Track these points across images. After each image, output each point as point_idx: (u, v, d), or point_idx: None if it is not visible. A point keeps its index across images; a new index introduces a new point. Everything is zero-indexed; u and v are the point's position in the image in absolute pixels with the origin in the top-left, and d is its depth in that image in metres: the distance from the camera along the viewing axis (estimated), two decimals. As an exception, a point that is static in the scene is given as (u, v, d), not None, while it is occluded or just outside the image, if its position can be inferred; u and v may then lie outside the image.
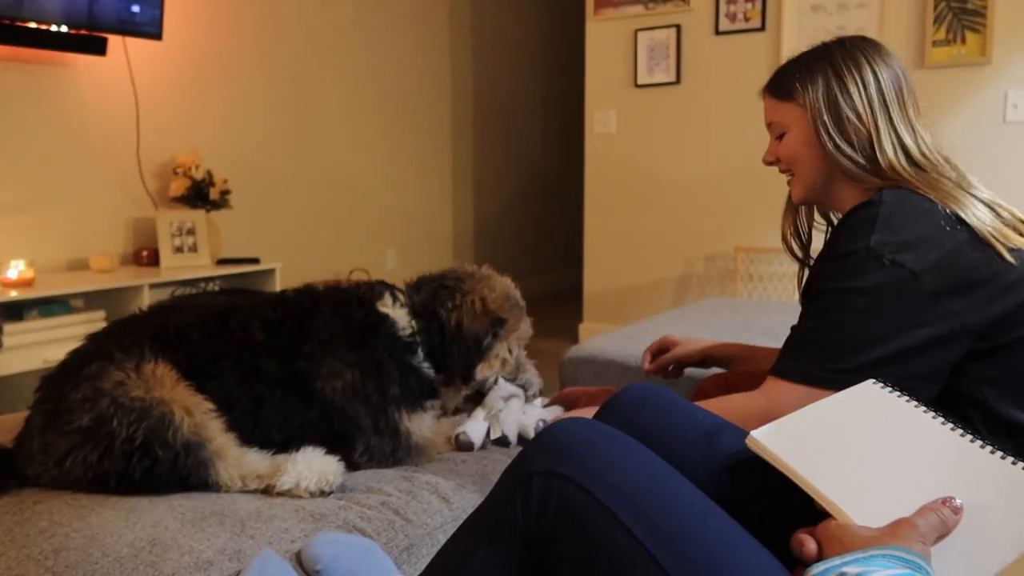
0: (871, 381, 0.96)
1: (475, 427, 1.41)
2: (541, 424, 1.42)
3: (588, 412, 1.33)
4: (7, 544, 1.06)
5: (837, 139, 1.16)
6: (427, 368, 1.38)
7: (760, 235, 3.87)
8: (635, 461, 0.87)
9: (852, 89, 1.16)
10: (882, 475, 0.83)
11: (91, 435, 1.13)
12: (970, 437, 0.85)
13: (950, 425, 0.86)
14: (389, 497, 1.18)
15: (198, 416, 1.15)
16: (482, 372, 1.43)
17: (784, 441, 0.89)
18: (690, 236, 4.08)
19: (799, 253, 1.35)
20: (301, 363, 1.27)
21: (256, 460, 1.21)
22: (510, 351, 1.46)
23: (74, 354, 1.27)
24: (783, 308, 2.86)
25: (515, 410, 1.44)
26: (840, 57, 1.19)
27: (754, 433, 0.90)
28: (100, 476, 1.13)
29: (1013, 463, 0.81)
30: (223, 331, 1.27)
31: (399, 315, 1.37)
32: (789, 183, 1.29)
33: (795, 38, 3.69)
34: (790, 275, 3.78)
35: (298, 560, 1.02)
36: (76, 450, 1.14)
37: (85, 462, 1.13)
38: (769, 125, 1.28)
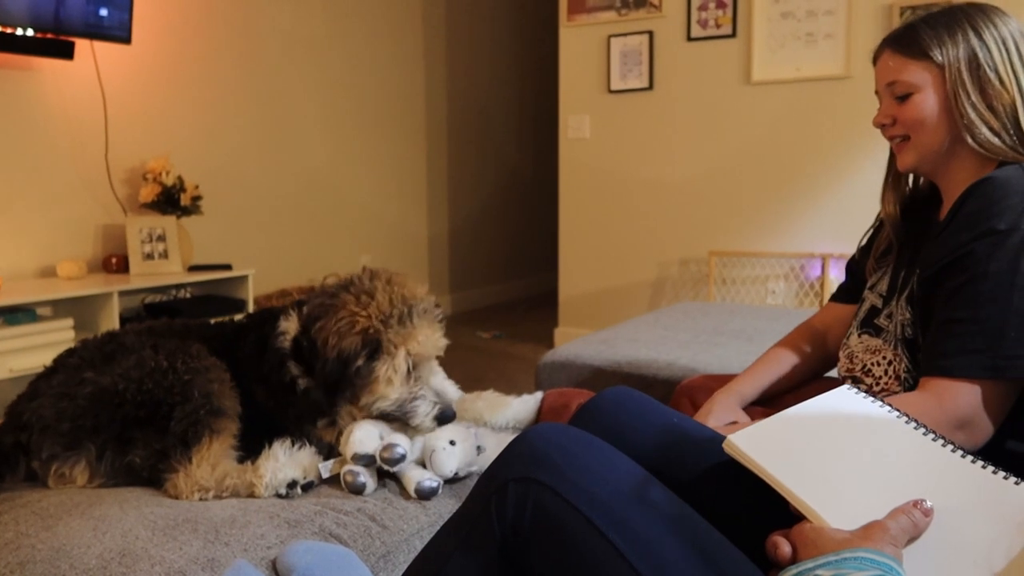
0: (846, 387, 0.97)
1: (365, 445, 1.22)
2: (427, 484, 1.22)
3: (717, 417, 1.31)
4: (-28, 557, 1.03)
5: (979, 104, 1.06)
6: (303, 383, 1.28)
7: (733, 239, 3.91)
8: (610, 466, 0.87)
9: (993, 50, 1.07)
10: (856, 478, 0.84)
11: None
12: (942, 441, 0.86)
13: (922, 430, 0.88)
14: (365, 503, 1.17)
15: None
16: (367, 397, 1.26)
17: (760, 445, 0.90)
18: (664, 240, 4.10)
19: (900, 231, 1.24)
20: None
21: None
22: (409, 370, 1.27)
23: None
24: (755, 311, 2.89)
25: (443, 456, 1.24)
26: (978, 17, 1.09)
27: (731, 437, 0.91)
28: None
29: (983, 467, 0.82)
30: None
31: (290, 326, 1.31)
32: (897, 148, 1.18)
33: (765, 44, 3.74)
34: (762, 279, 3.82)
35: (273, 569, 1.00)
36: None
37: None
38: (891, 84, 1.14)
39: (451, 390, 1.32)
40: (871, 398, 0.94)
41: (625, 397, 1.07)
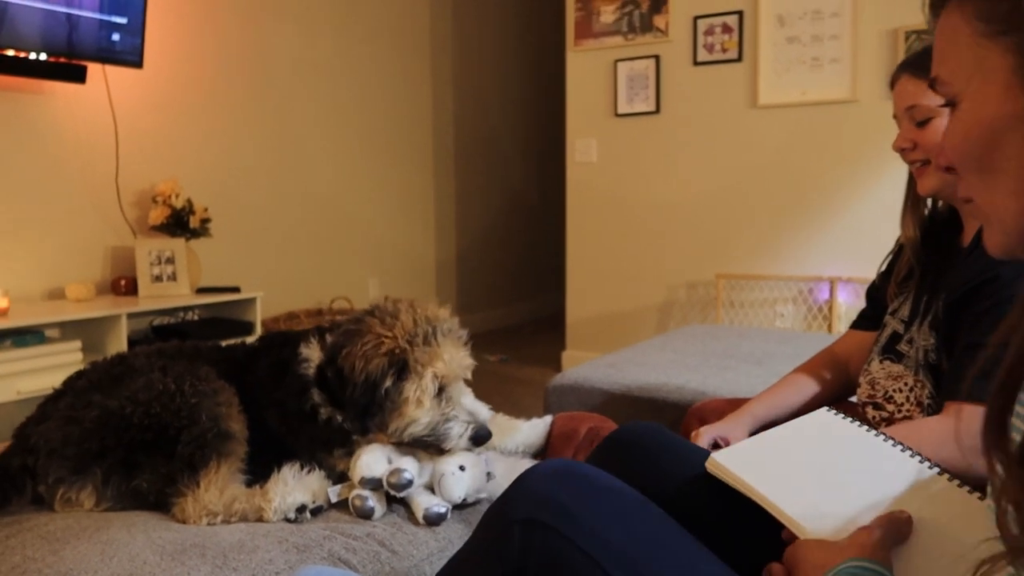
0: (825, 409, 1.01)
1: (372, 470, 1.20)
2: (435, 510, 1.19)
3: (719, 429, 1.29)
4: (-22, 581, 1.02)
5: None
6: (326, 412, 1.27)
7: (741, 262, 3.90)
8: (622, 506, 0.84)
9: None
10: (835, 489, 0.87)
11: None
12: (919, 458, 0.89)
13: (900, 447, 0.91)
14: (374, 528, 1.16)
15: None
16: (398, 421, 1.23)
17: (741, 462, 0.92)
18: (671, 264, 4.10)
19: (921, 255, 1.22)
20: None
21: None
22: (440, 390, 1.24)
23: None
24: (765, 334, 2.87)
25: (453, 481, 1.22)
26: None
27: (714, 455, 0.94)
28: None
29: (950, 480, 0.85)
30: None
31: (312, 354, 1.29)
32: (918, 172, 1.17)
33: (771, 69, 3.76)
34: (770, 302, 3.81)
35: (281, 594, 0.99)
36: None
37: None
38: (910, 108, 1.14)
39: (483, 410, 1.29)
40: (849, 419, 0.97)
41: (645, 432, 1.05)
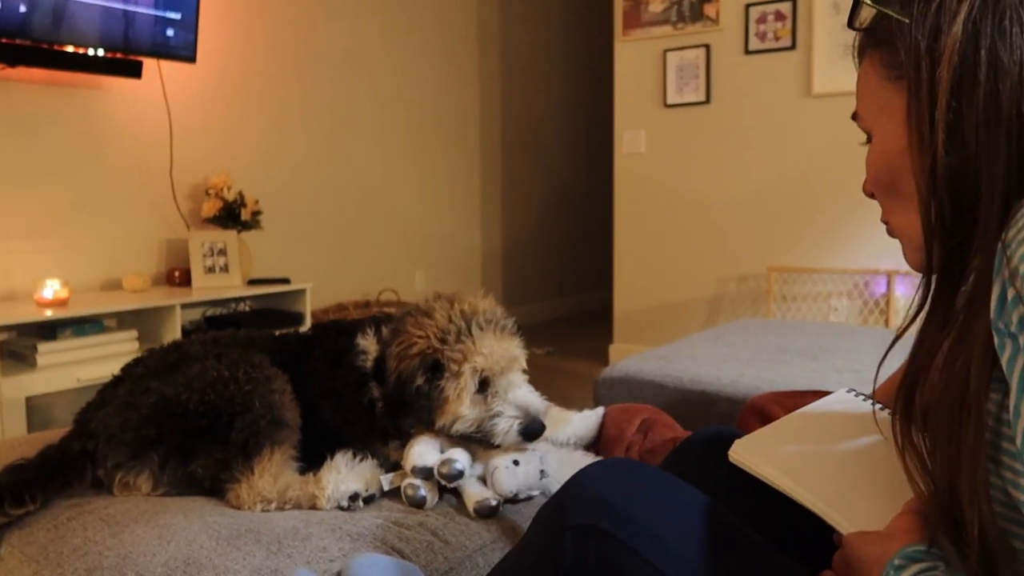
0: (844, 390, 0.99)
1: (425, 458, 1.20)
2: (486, 502, 1.17)
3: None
4: (42, 563, 1.04)
5: None
6: (382, 408, 1.25)
7: (793, 255, 3.82)
8: (680, 506, 0.79)
9: None
10: (864, 475, 0.85)
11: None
12: None
13: None
14: (427, 517, 1.15)
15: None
16: (441, 418, 1.21)
17: (764, 453, 0.89)
18: (721, 256, 4.03)
19: None
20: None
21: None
22: (484, 387, 1.21)
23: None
24: (820, 328, 2.80)
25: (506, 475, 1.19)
26: None
27: (737, 444, 0.91)
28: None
29: None
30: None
31: (369, 346, 1.28)
32: None
33: (826, 56, 3.66)
34: (824, 295, 3.72)
35: (337, 581, 0.99)
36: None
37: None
38: None
39: (535, 402, 1.23)
40: (870, 400, 0.95)
41: (717, 436, 1.00)
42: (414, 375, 1.20)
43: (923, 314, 0.70)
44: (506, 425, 1.20)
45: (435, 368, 1.21)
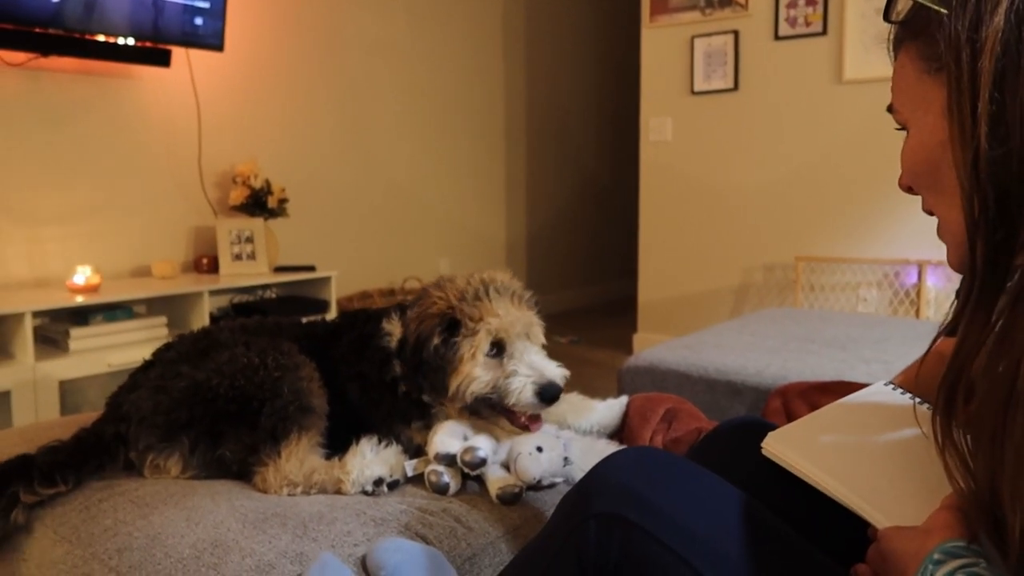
0: (882, 382, 0.98)
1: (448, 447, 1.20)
2: (509, 489, 1.17)
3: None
4: (74, 543, 1.06)
5: None
6: (405, 385, 1.28)
7: (821, 244, 3.77)
8: (708, 494, 0.78)
9: None
10: (899, 469, 0.84)
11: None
12: None
13: None
14: (451, 503, 1.16)
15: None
16: (456, 379, 1.22)
17: (799, 446, 0.88)
18: (748, 245, 3.99)
19: None
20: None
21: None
22: (499, 349, 1.22)
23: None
24: (848, 318, 2.77)
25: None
26: None
27: (769, 438, 0.90)
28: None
29: None
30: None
31: (394, 328, 1.30)
32: None
33: (858, 42, 3.60)
34: (853, 285, 3.67)
35: (363, 565, 1.00)
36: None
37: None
38: None
39: (550, 368, 1.23)
40: (909, 395, 0.93)
41: (746, 425, 0.99)
42: (432, 333, 1.23)
43: (967, 311, 0.68)
44: (520, 384, 1.20)
45: (452, 327, 1.24)
